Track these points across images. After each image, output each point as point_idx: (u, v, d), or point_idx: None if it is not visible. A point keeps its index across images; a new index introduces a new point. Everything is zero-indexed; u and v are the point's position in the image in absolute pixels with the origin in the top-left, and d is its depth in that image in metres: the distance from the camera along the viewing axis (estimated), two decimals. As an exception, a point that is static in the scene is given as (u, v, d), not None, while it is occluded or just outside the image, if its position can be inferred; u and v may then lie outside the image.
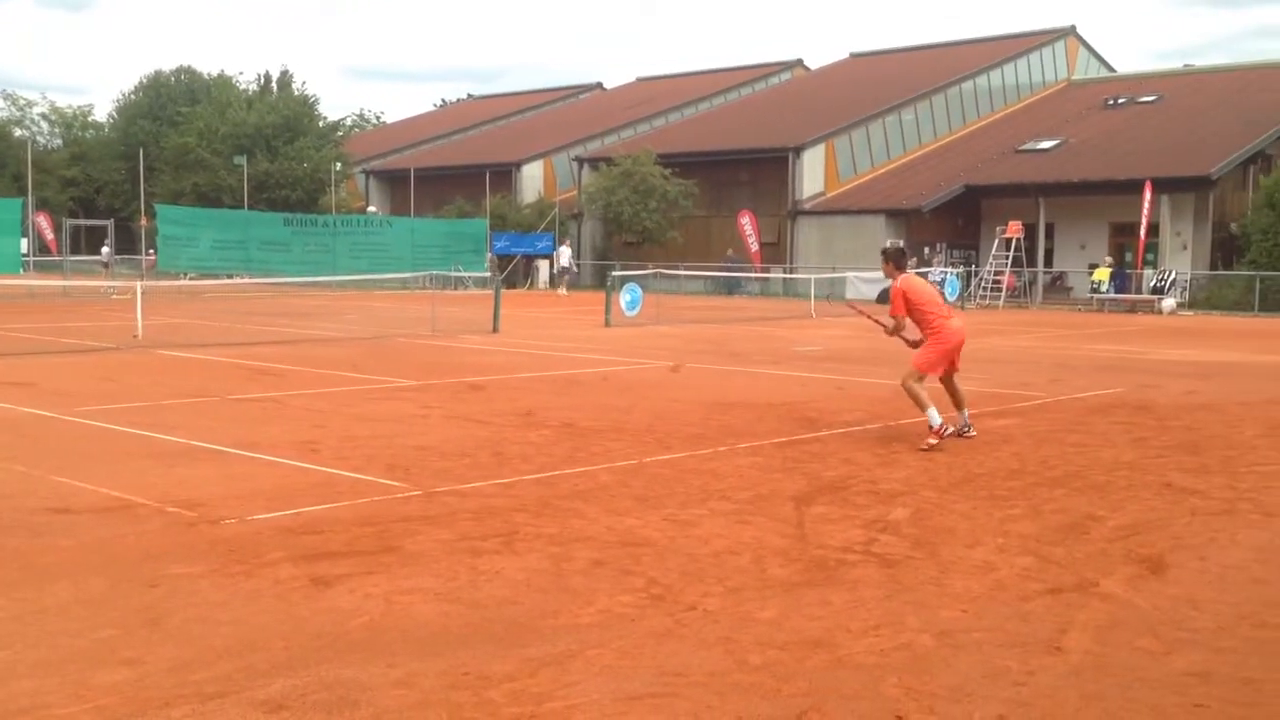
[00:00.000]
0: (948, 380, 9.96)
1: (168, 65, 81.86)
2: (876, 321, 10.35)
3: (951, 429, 9.49)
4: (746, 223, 42.58)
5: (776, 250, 43.13)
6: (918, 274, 10.62)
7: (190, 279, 35.19)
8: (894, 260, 10.04)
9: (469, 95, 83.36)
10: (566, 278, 42.02)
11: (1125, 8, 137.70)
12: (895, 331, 10.01)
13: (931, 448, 9.08)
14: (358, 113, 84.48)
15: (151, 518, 6.56)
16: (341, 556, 5.77)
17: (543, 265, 45.68)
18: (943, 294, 35.11)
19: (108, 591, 5.17)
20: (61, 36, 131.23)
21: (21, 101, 75.72)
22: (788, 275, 40.24)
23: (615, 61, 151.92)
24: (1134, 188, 34.79)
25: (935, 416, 9.27)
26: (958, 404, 9.89)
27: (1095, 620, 4.92)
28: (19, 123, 73.87)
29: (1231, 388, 13.81)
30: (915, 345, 9.99)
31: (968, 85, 48.66)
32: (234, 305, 29.63)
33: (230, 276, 35.78)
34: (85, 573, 5.44)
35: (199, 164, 52.24)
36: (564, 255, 42.75)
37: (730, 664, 4.35)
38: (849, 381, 14.11)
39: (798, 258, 42.47)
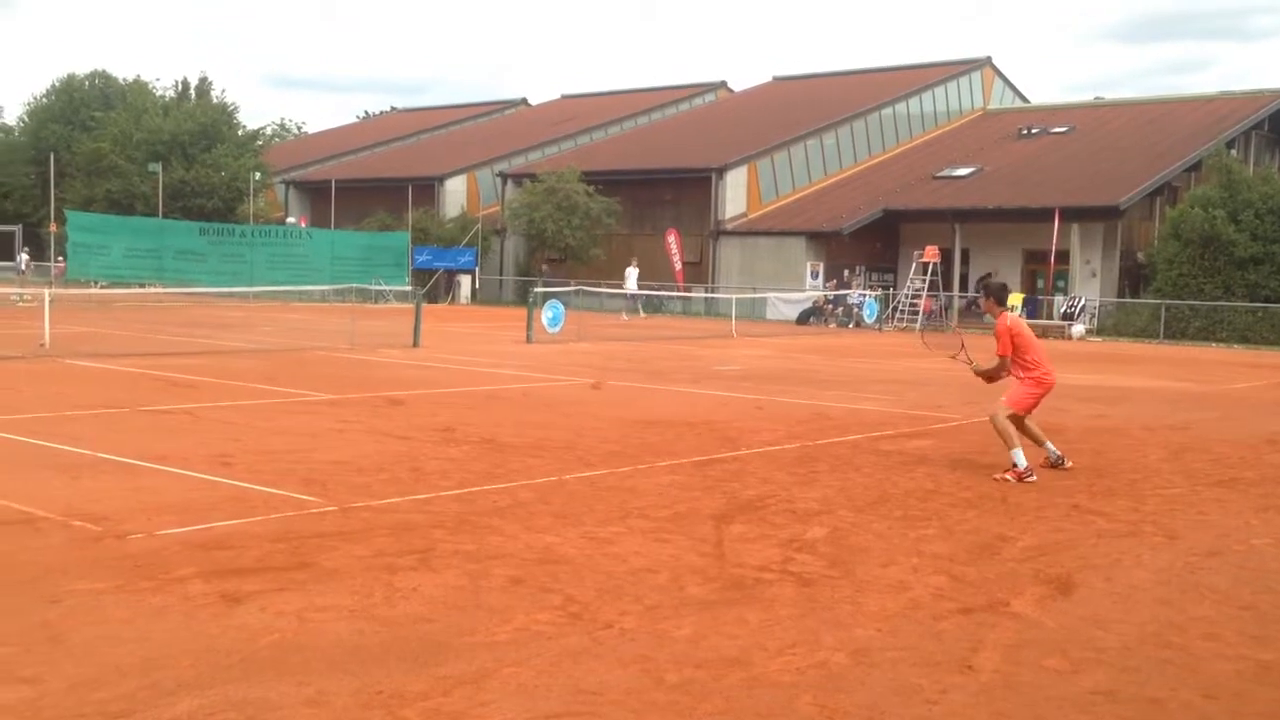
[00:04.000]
0: (1023, 422, 9.66)
1: (82, 69, 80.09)
2: (971, 362, 9.96)
3: (1034, 477, 9.08)
4: (672, 241, 42.78)
5: (698, 270, 43.40)
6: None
7: (101, 288, 34.36)
8: (996, 296, 9.82)
9: (393, 108, 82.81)
10: (639, 302, 38.17)
11: (1039, 41, 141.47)
12: (997, 370, 9.74)
13: (1004, 482, 8.94)
14: (278, 122, 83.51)
15: (54, 531, 6.37)
16: (253, 573, 5.66)
17: (464, 280, 45.40)
18: (862, 316, 35.71)
19: (7, 607, 5.00)
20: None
21: (-74, 102, 73.54)
22: (709, 295, 40.47)
23: (541, 78, 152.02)
24: (1046, 216, 35.65)
25: (1021, 458, 9.09)
26: (1039, 441, 9.67)
27: (1005, 639, 5.01)
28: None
29: (1137, 413, 14.18)
30: (990, 380, 9.92)
31: (887, 111, 49.52)
32: (147, 315, 28.98)
33: (143, 286, 34.98)
34: (-16, 588, 5.27)
35: (112, 170, 51.10)
36: (631, 279, 38.57)
37: (647, 682, 4.35)
38: (768, 401, 14.22)
39: (719, 277, 42.77)
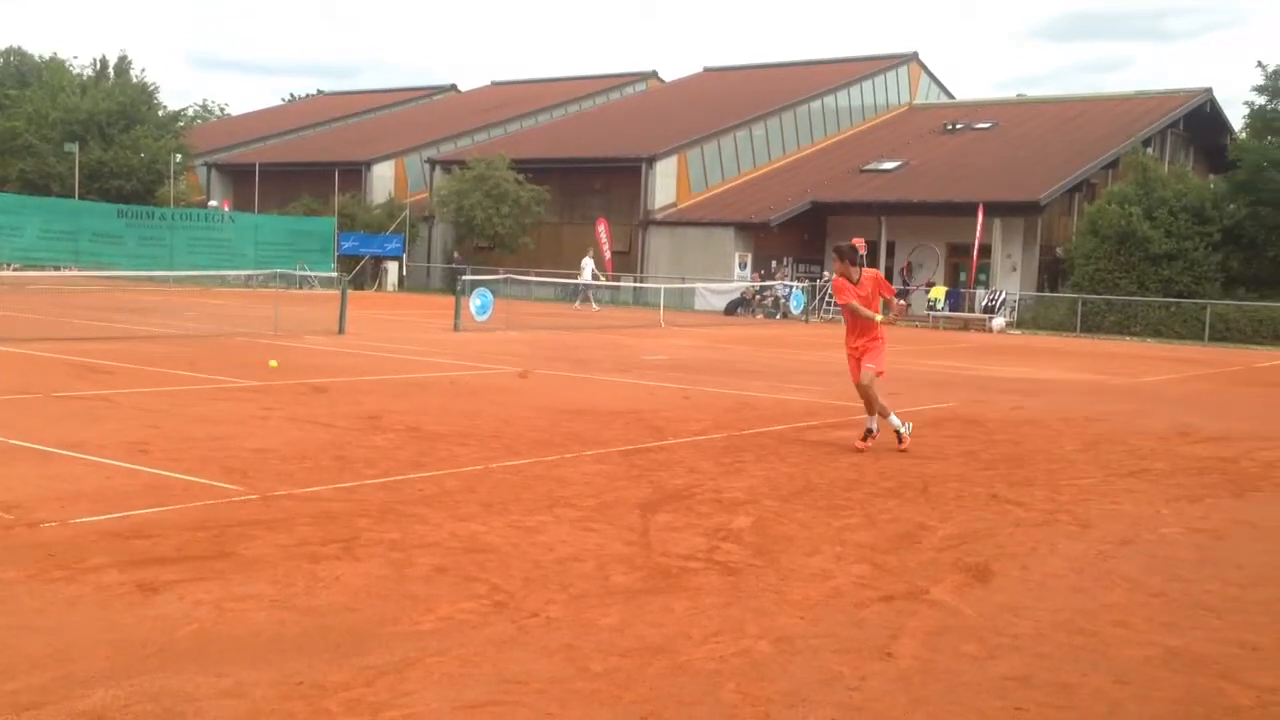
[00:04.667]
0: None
1: (-5, 45, 77.64)
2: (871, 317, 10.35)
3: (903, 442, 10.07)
4: (602, 230, 42.76)
5: (627, 259, 43.43)
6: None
7: (14, 270, 33.46)
8: (848, 258, 10.40)
9: (319, 91, 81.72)
10: (591, 293, 38.00)
11: (965, 38, 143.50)
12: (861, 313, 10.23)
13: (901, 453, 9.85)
14: (200, 103, 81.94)
15: (-36, 520, 6.20)
16: (171, 562, 5.57)
17: (391, 267, 44.95)
18: (789, 307, 35.97)
19: (-87, 598, 4.86)
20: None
21: None
22: (638, 284, 40.54)
23: (470, 64, 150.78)
24: (969, 210, 36.25)
25: (897, 421, 10.06)
26: (883, 413, 10.27)
27: (925, 627, 5.10)
28: None
29: (1054, 404, 14.49)
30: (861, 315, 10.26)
31: (816, 104, 49.94)
32: (62, 299, 28.27)
33: (58, 269, 34.17)
34: (-112, 578, 5.11)
35: (27, 150, 49.75)
36: (587, 270, 38.39)
37: (572, 671, 4.35)
38: (695, 391, 14.29)
39: (648, 267, 42.84)
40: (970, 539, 6.84)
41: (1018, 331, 33.85)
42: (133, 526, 6.20)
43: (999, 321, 33.94)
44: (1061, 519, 7.55)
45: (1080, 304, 33.90)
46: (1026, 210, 36.93)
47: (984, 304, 35.22)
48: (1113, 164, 39.15)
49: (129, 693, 3.93)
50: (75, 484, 7.21)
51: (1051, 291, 37.19)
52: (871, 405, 10.17)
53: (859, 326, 10.32)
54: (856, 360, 10.29)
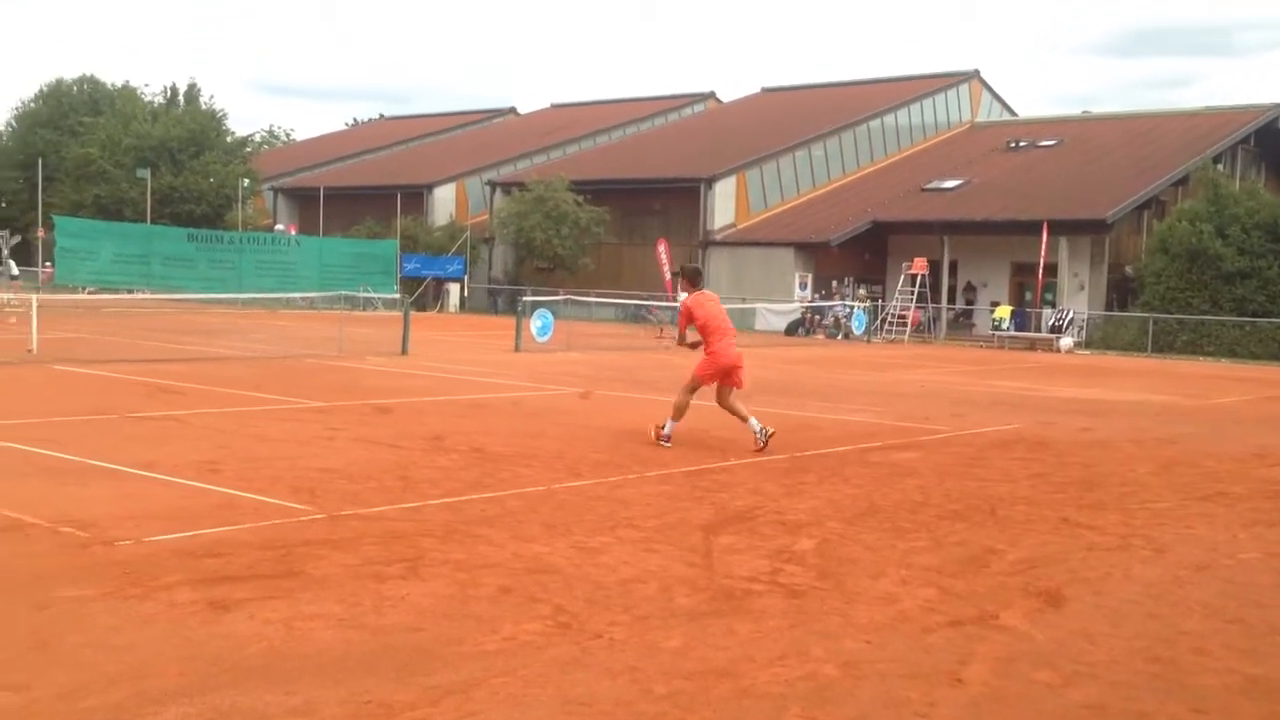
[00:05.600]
0: (725, 400, 11.14)
1: (70, 74, 79.78)
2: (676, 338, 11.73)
3: (668, 444, 10.70)
4: (662, 251, 42.82)
5: (688, 280, 43.36)
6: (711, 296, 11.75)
7: (89, 293, 34.23)
8: (689, 278, 11.53)
9: (381, 115, 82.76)
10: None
11: (1027, 55, 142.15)
12: (685, 342, 11.42)
13: (656, 444, 10.65)
14: (267, 129, 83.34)
15: (42, 538, 6.34)
16: (241, 580, 5.64)
17: (453, 288, 45.35)
18: (850, 328, 35.73)
19: (-7, 615, 4.97)
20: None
21: (-88, 105, 73.08)
22: (698, 305, 40.41)
23: (530, 87, 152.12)
24: (1034, 228, 35.78)
25: (670, 426, 10.87)
26: (743, 418, 10.91)
27: (994, 652, 5.01)
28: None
29: (1126, 426, 14.23)
30: (692, 348, 11.38)
31: (876, 123, 49.69)
32: (134, 321, 28.86)
33: (131, 291, 34.90)
34: (-31, 595, 5.23)
35: (101, 176, 50.94)
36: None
37: (636, 693, 4.34)
38: (756, 412, 14.19)
39: (708, 287, 42.69)
40: (1041, 563, 6.72)
41: (1086, 351, 33.31)
42: (204, 545, 6.30)
43: (1067, 341, 33.43)
44: (1135, 543, 7.40)
45: (1151, 323, 33.28)
46: (1094, 228, 36.38)
47: (1051, 324, 34.72)
48: (1182, 181, 38.47)
49: (201, 710, 3.98)
50: (149, 503, 7.34)
51: (1121, 311, 36.55)
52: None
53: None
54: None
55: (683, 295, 11.83)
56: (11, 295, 31.03)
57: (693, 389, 11.14)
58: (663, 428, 10.86)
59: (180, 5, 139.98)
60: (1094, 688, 4.62)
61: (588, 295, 35.64)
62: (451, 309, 44.63)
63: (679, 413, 10.97)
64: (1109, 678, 4.74)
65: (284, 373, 17.00)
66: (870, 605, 5.67)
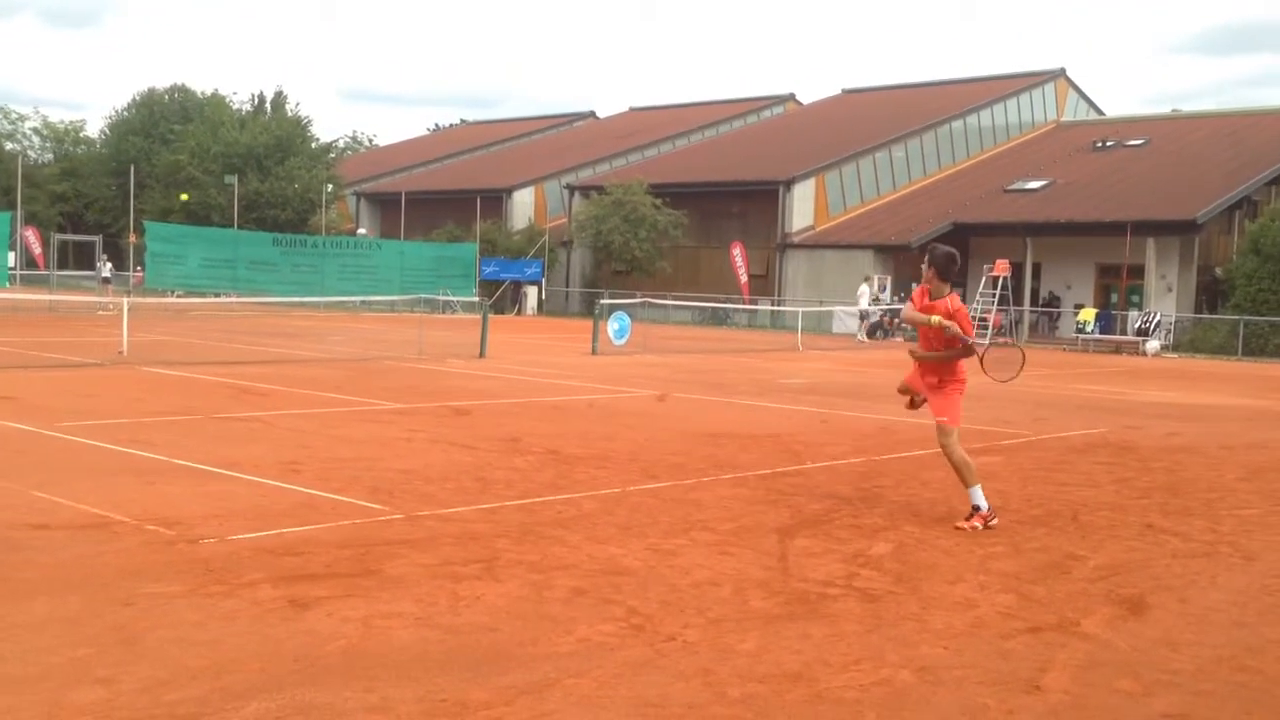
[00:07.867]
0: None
1: (162, 83, 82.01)
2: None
3: (996, 520, 7.59)
4: (737, 254, 42.73)
5: (765, 283, 43.27)
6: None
7: (178, 297, 35.11)
8: (940, 269, 7.72)
9: (462, 120, 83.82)
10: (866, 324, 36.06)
11: (1115, 53, 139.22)
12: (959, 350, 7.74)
13: (973, 530, 7.44)
14: (350, 135, 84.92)
15: (130, 535, 6.51)
16: (320, 579, 5.74)
17: (531, 291, 45.70)
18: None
19: (83, 609, 5.12)
20: (62, 53, 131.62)
21: (14, 116, 75.66)
22: (775, 308, 40.31)
23: (609, 91, 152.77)
24: (1120, 229, 35.04)
25: (982, 497, 7.60)
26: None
27: (1075, 660, 4.92)
28: (10, 137, 73.76)
29: (1213, 431, 13.86)
30: (949, 346, 7.74)
31: (957, 124, 49.05)
32: (221, 324, 29.54)
33: (218, 295, 35.73)
34: (62, 590, 5.40)
35: (190, 182, 52.23)
36: (864, 298, 36.61)
37: (709, 696, 4.33)
38: (833, 415, 14.12)
39: (786, 290, 42.60)
40: (1123, 570, 6.58)
41: (1174, 355, 32.52)
42: (285, 544, 6.42)
43: (1154, 344, 32.67)
44: (1222, 550, 7.21)
45: (1242, 326, 32.38)
46: (1183, 229, 35.50)
47: (1137, 326, 33.96)
48: (1276, 180, 37.39)
49: (280, 705, 4.06)
50: (232, 501, 7.51)
51: (1210, 313, 35.63)
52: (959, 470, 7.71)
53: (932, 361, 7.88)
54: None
55: (913, 290, 8.16)
56: (107, 299, 31.94)
57: (956, 432, 7.80)
58: (977, 508, 7.55)
59: (270, 14, 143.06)
60: (1177, 697, 4.51)
61: (665, 298, 35.68)
62: (529, 312, 44.98)
63: (969, 469, 7.68)
64: (1193, 687, 4.63)
65: (364, 375, 17.26)
66: (947, 611, 5.60)
